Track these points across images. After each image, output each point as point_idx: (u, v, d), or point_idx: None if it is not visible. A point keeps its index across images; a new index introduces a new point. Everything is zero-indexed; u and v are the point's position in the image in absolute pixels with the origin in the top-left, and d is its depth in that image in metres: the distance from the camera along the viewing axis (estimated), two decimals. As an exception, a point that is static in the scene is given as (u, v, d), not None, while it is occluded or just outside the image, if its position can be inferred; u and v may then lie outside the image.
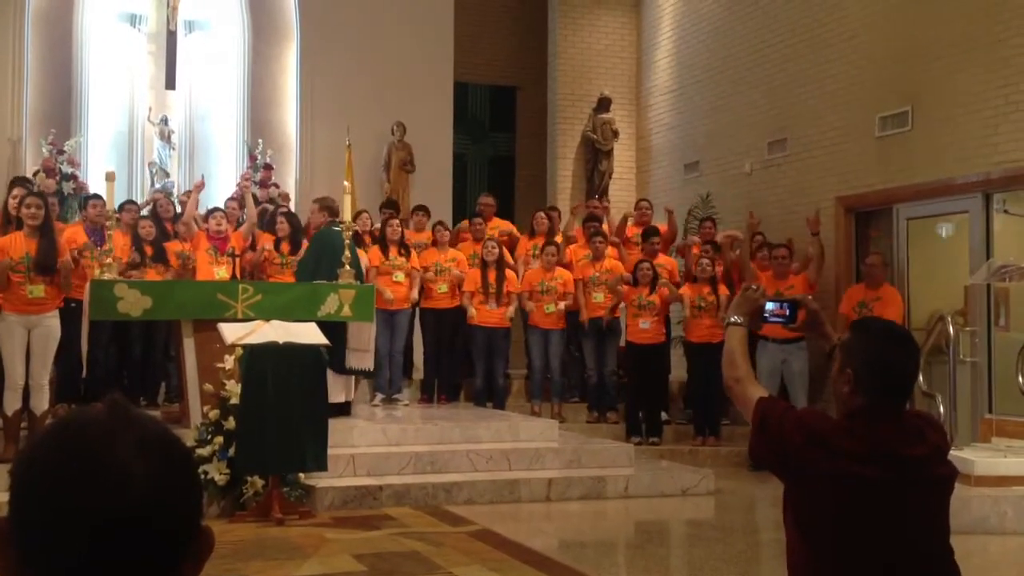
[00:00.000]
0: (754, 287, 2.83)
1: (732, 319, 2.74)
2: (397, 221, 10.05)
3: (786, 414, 2.44)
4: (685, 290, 9.85)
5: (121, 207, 9.12)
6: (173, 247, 9.23)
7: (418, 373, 10.56)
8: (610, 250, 10.44)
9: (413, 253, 10.03)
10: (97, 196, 9.10)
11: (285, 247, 9.44)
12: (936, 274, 9.68)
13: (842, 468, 2.31)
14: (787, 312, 2.80)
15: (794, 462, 2.37)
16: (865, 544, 2.33)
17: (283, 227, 9.50)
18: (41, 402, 7.19)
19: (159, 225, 9.38)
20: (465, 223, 11.08)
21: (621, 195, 13.49)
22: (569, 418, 10.16)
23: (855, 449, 2.33)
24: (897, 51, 9.55)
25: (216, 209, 9.50)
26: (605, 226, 10.86)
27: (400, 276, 9.84)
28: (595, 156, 13.50)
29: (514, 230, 11.09)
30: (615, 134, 13.48)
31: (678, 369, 10.53)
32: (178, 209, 10.33)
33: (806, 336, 2.96)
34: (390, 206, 10.83)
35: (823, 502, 2.35)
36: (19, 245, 7.15)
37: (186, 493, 1.10)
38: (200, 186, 9.65)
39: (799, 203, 10.70)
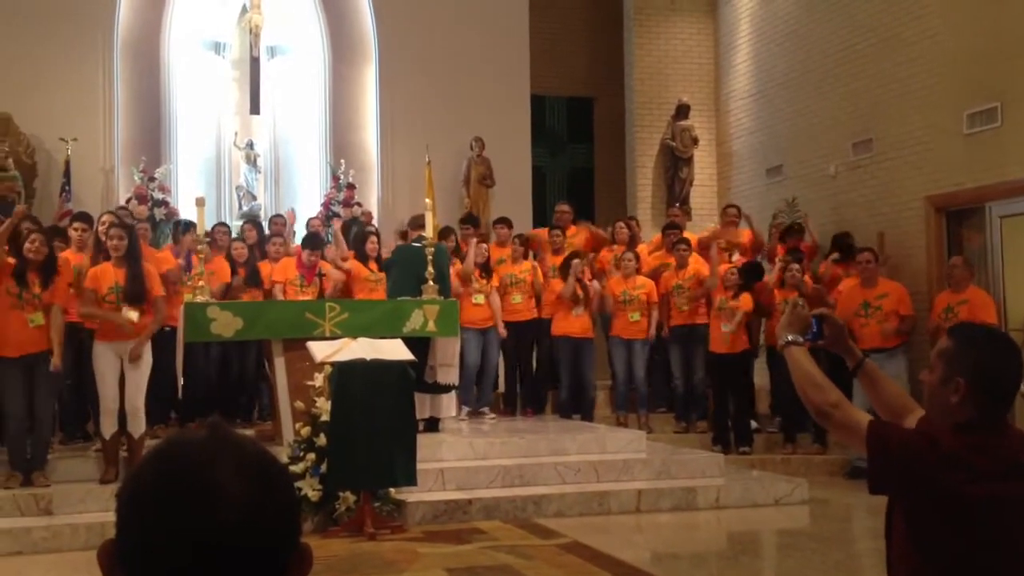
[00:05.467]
0: (800, 303, 2.73)
1: (788, 339, 2.56)
2: (485, 245, 10.07)
3: (909, 435, 2.31)
4: (775, 294, 9.66)
5: (213, 229, 9.31)
6: (265, 269, 9.37)
7: (499, 386, 10.58)
8: (694, 257, 10.36)
9: (494, 275, 10.07)
10: (191, 223, 9.15)
11: (374, 265, 9.55)
12: (1033, 272, 9.37)
13: (986, 489, 2.20)
14: (815, 328, 2.66)
15: (929, 486, 2.23)
16: (1005, 562, 2.24)
17: (374, 246, 9.62)
18: (138, 425, 7.35)
19: (250, 249, 9.53)
20: (544, 232, 11.04)
21: (702, 202, 13.37)
22: (656, 428, 10.08)
23: (992, 468, 2.22)
24: (982, 48, 9.30)
25: (309, 240, 9.56)
26: (688, 234, 10.80)
27: (480, 299, 9.87)
28: (675, 164, 13.39)
29: (586, 237, 11.01)
30: (695, 141, 13.36)
31: (763, 377, 10.34)
32: (266, 231, 10.52)
33: (832, 349, 2.72)
34: (469, 221, 10.86)
35: (963, 524, 2.22)
36: (108, 275, 7.34)
37: (284, 512, 1.12)
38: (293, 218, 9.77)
39: (887, 204, 10.47)
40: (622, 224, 10.99)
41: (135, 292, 7.31)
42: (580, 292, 9.92)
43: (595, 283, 10.17)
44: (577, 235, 11.02)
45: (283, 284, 9.05)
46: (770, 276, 9.98)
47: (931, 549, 2.26)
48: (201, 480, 1.07)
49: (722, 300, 9.71)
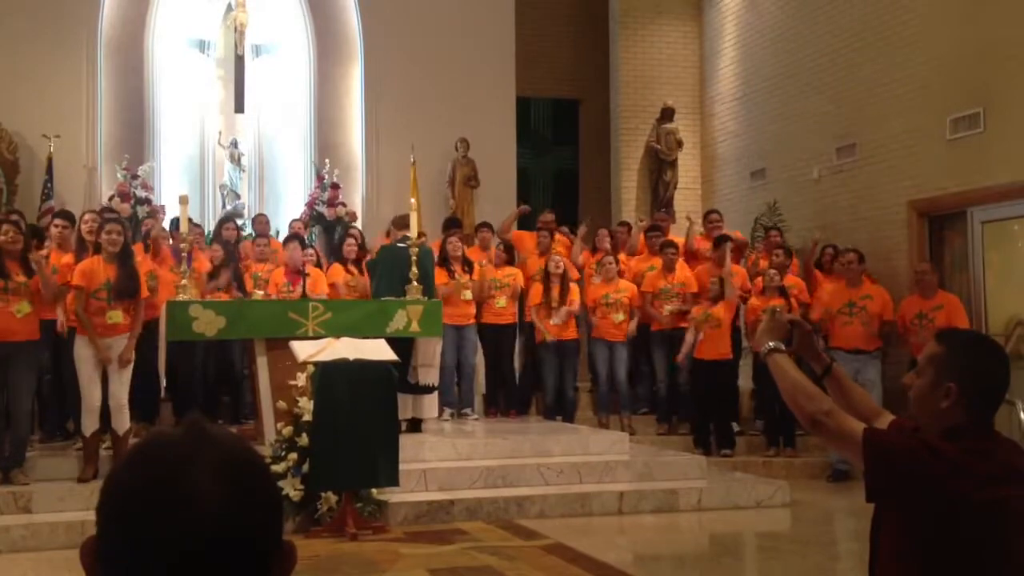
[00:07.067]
0: (778, 309, 2.73)
1: (771, 346, 2.52)
2: (456, 238, 10.04)
3: (908, 443, 2.25)
4: (753, 301, 9.69)
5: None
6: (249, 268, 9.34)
7: (481, 388, 10.57)
8: (680, 262, 10.38)
9: (476, 267, 10.06)
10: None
11: (353, 268, 9.52)
12: (1013, 277, 9.42)
13: (988, 494, 2.17)
14: None
15: (934, 493, 2.18)
16: (1007, 566, 2.22)
17: (351, 248, 9.59)
18: (122, 422, 7.31)
19: (226, 248, 9.48)
20: (528, 235, 11.06)
21: (686, 205, 13.39)
22: (639, 430, 10.09)
23: (994, 472, 2.20)
24: (967, 52, 9.36)
25: (290, 240, 9.56)
26: (673, 237, 10.82)
27: (468, 295, 9.87)
28: (659, 167, 13.41)
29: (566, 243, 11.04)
30: (679, 144, 13.39)
31: (746, 380, 10.37)
32: (247, 231, 10.47)
33: (799, 355, 2.66)
34: (453, 224, 10.79)
35: (966, 529, 2.19)
36: (99, 273, 7.27)
37: (266, 511, 1.11)
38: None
39: (869, 209, 10.53)
40: (605, 231, 11.04)
41: (126, 289, 7.25)
42: (558, 293, 9.92)
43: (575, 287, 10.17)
44: (557, 242, 11.00)
45: (274, 294, 9.06)
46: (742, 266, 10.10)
47: (931, 555, 2.23)
48: (180, 480, 1.06)
49: (703, 313, 9.69)
